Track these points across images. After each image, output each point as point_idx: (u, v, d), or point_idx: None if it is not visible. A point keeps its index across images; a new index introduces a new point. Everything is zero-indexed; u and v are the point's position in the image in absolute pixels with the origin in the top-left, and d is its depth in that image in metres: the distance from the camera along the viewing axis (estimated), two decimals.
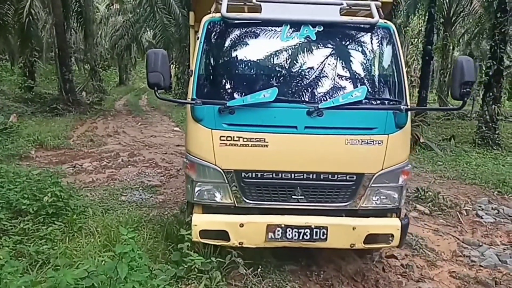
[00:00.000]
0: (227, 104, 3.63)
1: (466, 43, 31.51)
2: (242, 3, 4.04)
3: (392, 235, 3.80)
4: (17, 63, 26.16)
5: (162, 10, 17.00)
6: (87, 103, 21.75)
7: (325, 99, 3.80)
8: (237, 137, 3.69)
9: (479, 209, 6.80)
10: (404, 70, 3.96)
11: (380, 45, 4.08)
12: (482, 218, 6.43)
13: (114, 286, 2.68)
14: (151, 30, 26.15)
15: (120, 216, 5.51)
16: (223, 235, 3.74)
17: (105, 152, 11.59)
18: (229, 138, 3.70)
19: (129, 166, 9.80)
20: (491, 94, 12.77)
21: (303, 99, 3.88)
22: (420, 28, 26.84)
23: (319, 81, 4.05)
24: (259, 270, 4.09)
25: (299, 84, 4.03)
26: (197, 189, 3.86)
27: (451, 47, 25.39)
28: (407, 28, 29.42)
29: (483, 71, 14.71)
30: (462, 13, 23.60)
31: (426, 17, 18.58)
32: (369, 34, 4.05)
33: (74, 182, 7.25)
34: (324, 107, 3.64)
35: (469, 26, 26.72)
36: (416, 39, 30.15)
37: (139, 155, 10.83)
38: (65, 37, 21.03)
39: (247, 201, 3.82)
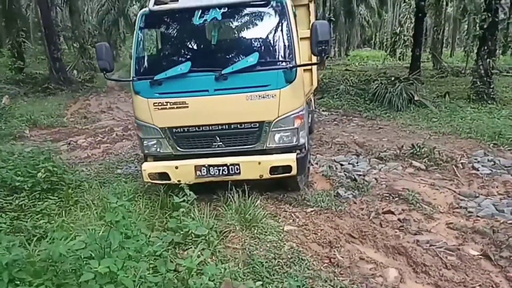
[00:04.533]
0: (154, 78, 4.74)
1: None
2: None
3: (290, 166, 4.79)
4: (5, 44, 25.62)
5: None
6: (79, 81, 21.44)
7: (228, 66, 4.69)
8: (165, 102, 4.78)
9: (475, 162, 6.77)
10: (295, 35, 4.82)
11: (274, 17, 4.98)
12: (478, 170, 6.40)
13: (108, 254, 2.65)
14: (138, 3, 25.50)
15: (116, 188, 5.52)
16: (165, 176, 4.91)
17: (99, 128, 11.55)
18: (160, 104, 4.80)
19: (123, 140, 9.79)
20: (485, 48, 12.38)
21: (211, 68, 4.76)
22: None
23: (224, 52, 5.22)
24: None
25: (208, 57, 5.15)
26: (144, 143, 5.05)
27: (444, 3, 24.77)
28: None
29: (477, 25, 14.36)
30: None
31: None
32: (264, 8, 4.95)
33: (69, 158, 7.21)
34: (226, 72, 4.63)
35: None
36: None
37: (133, 129, 10.73)
38: (50, 15, 20.41)
39: (180, 149, 4.96)
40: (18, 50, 22.79)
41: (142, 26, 5.05)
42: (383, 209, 5.04)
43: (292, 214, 4.85)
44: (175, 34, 5.45)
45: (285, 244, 4.04)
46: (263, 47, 5.15)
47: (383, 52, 40.85)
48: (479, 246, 4.12)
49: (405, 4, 34.01)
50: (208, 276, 2.75)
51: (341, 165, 6.84)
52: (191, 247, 3.76)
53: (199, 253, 3.49)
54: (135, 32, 5.09)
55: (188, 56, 5.20)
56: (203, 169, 4.85)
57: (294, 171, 4.82)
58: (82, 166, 7.32)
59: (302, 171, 5.07)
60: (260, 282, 3.26)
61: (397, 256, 3.96)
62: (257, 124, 4.79)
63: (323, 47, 4.44)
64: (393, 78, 14.34)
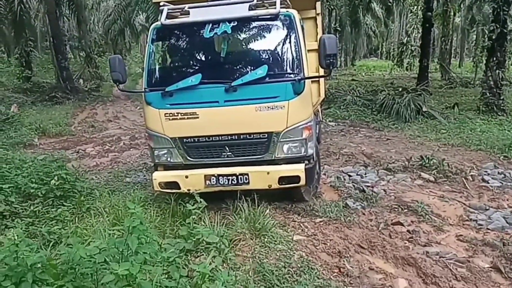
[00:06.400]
0: (166, 90, 4.84)
1: (467, 8, 30.99)
2: (179, 10, 5.14)
3: (299, 177, 4.83)
4: (13, 54, 26.03)
5: None
6: (85, 90, 21.67)
7: (237, 78, 4.79)
8: (176, 113, 4.87)
9: (485, 174, 6.75)
10: (303, 48, 4.94)
11: (282, 30, 5.06)
12: (488, 183, 6.38)
13: (126, 259, 2.72)
14: (144, 13, 25.79)
15: (126, 196, 5.57)
16: (175, 185, 4.98)
17: (106, 137, 11.67)
18: (171, 114, 4.88)
19: (131, 149, 9.88)
20: (494, 58, 12.34)
21: (221, 80, 4.85)
22: None
23: (233, 64, 5.33)
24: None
25: (218, 69, 5.26)
26: (155, 153, 5.13)
27: (452, 13, 24.84)
28: None
29: (486, 36, 14.35)
30: None
31: None
32: (273, 22, 5.05)
33: (78, 167, 7.30)
34: (236, 84, 4.72)
35: None
36: (415, 7, 29.73)
37: (140, 138, 10.88)
38: (59, 25, 20.84)
39: (191, 159, 5.04)
40: (26, 59, 23.11)
41: (154, 39, 5.16)
42: (392, 220, 5.04)
43: (301, 224, 4.87)
44: (186, 47, 5.56)
45: (294, 253, 4.06)
46: (272, 60, 5.24)
47: (390, 62, 40.91)
48: (489, 258, 4.12)
49: (411, 14, 34.14)
50: (221, 282, 2.80)
51: (349, 176, 6.86)
52: (202, 254, 3.80)
53: (210, 260, 3.53)
54: (147, 45, 5.20)
55: (199, 68, 5.30)
56: (213, 179, 4.91)
57: (302, 182, 4.87)
58: (92, 174, 7.41)
59: (310, 181, 5.12)
60: None
61: (407, 267, 3.96)
62: (266, 135, 4.86)
63: (331, 60, 4.53)
64: (400, 89, 14.37)
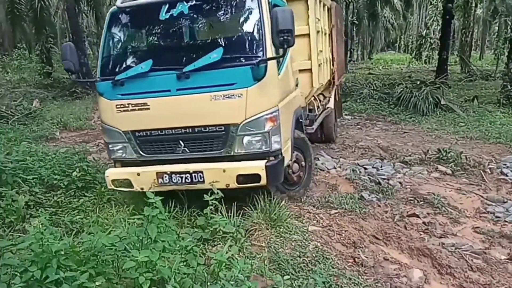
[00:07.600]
0: (115, 78, 4.44)
1: None
2: None
3: (259, 175, 4.33)
4: (34, 50, 26.52)
5: None
6: None
7: (191, 63, 4.26)
8: (127, 104, 4.46)
9: (504, 167, 6.68)
10: (267, 28, 4.27)
11: (245, 9, 4.58)
12: (507, 176, 6.32)
13: (145, 246, 2.82)
14: None
15: None
16: (128, 183, 4.62)
17: None
18: (122, 106, 4.48)
19: None
20: None
21: (173, 66, 4.39)
22: None
23: (189, 48, 4.89)
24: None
25: (172, 54, 4.81)
26: (110, 148, 4.75)
27: (473, 5, 24.35)
28: None
29: (508, 27, 14.06)
30: None
31: None
32: (235, 1, 4.60)
33: (99, 159, 7.46)
34: (188, 70, 4.23)
35: None
36: None
37: None
38: (78, 22, 21.16)
39: (144, 155, 4.62)
40: (47, 55, 23.42)
41: (110, 24, 4.79)
42: (407, 212, 5.06)
43: (316, 216, 4.89)
44: (141, 31, 5.14)
45: (309, 243, 4.10)
46: (230, 42, 4.69)
47: (408, 55, 40.32)
48: (506, 250, 4.13)
49: (431, 6, 33.55)
50: (238, 270, 2.87)
51: (365, 168, 6.86)
52: (219, 243, 3.88)
53: (227, 249, 3.62)
54: (103, 31, 4.83)
55: (152, 54, 4.81)
56: (165, 177, 4.51)
57: (263, 181, 4.37)
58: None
59: (274, 181, 4.63)
60: (288, 277, 3.36)
61: (422, 258, 3.99)
62: (223, 127, 4.37)
63: (285, 37, 3.92)
64: (418, 82, 14.25)
